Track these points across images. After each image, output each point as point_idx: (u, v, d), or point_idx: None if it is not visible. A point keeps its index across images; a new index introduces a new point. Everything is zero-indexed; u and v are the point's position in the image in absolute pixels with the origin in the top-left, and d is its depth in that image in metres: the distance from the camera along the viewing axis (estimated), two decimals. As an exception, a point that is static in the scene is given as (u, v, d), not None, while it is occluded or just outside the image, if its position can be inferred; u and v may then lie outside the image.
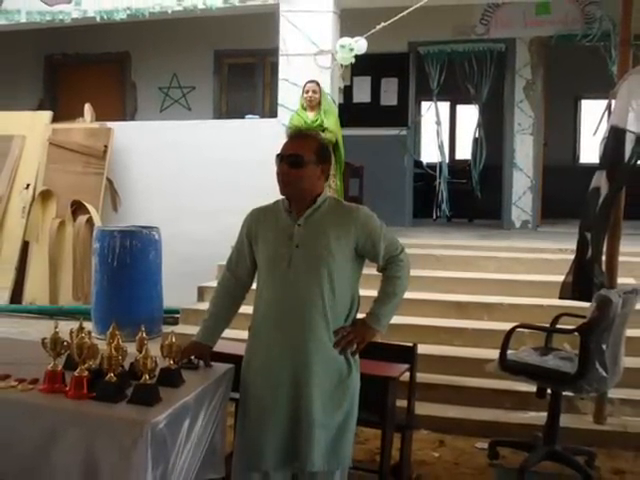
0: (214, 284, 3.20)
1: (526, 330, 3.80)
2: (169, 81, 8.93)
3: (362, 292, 2.51)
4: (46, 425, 2.12)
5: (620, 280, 3.96)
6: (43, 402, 2.19)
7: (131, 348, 2.37)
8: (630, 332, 3.63)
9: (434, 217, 8.75)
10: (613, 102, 3.90)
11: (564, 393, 3.53)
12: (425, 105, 9.01)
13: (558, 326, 3.72)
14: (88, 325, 2.64)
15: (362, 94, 8.22)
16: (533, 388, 3.61)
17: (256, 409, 2.42)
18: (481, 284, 5.35)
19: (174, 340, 2.39)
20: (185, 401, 2.22)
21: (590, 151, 9.04)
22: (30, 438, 2.12)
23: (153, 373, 2.23)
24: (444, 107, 9.80)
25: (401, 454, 3.21)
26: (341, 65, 6.43)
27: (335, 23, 6.45)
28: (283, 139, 2.58)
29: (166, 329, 4.69)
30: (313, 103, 5.95)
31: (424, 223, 8.44)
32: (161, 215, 6.37)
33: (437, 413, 4.07)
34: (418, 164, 9.00)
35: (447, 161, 8.82)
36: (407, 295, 2.54)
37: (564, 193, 7.77)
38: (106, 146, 6.89)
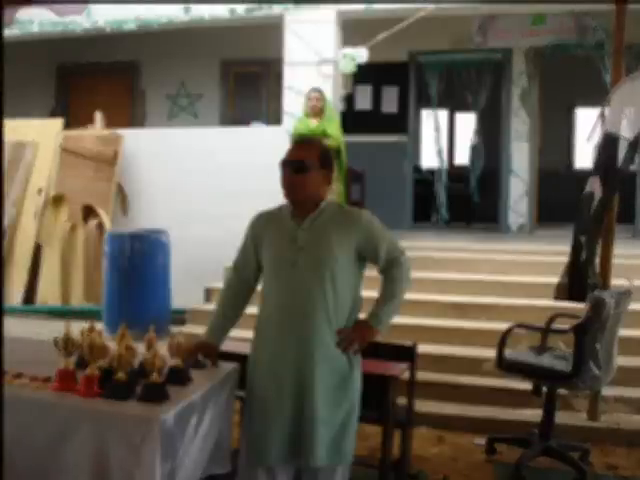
0: (221, 285, 3.21)
1: (522, 330, 3.81)
2: (177, 89, 8.94)
3: (363, 293, 2.55)
4: (58, 422, 2.16)
5: (613, 282, 3.97)
6: (55, 400, 2.22)
7: (140, 348, 2.40)
8: (623, 332, 3.68)
9: (433, 221, 8.81)
10: (607, 109, 3.95)
11: (559, 391, 3.60)
12: (425, 113, 9.10)
13: (553, 326, 3.76)
14: (99, 325, 2.67)
15: (363, 102, 8.29)
16: (529, 386, 3.67)
17: (261, 406, 2.45)
18: (478, 285, 5.40)
19: (182, 340, 2.44)
20: (192, 399, 2.25)
21: (584, 157, 9.11)
22: (43, 434, 2.16)
23: (162, 372, 2.25)
24: (443, 114, 9.79)
25: (401, 450, 3.24)
26: (343, 74, 6.52)
27: (337, 33, 6.50)
28: (287, 145, 2.65)
29: (174, 329, 4.75)
30: (316, 110, 5.97)
31: (423, 227, 8.43)
32: (169, 219, 6.40)
33: (436, 410, 4.14)
34: (418, 169, 9.09)
35: (446, 167, 8.88)
36: (407, 296, 2.56)
37: (559, 198, 7.85)
38: (116, 152, 6.92)
